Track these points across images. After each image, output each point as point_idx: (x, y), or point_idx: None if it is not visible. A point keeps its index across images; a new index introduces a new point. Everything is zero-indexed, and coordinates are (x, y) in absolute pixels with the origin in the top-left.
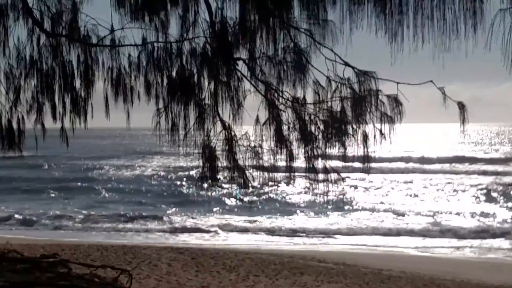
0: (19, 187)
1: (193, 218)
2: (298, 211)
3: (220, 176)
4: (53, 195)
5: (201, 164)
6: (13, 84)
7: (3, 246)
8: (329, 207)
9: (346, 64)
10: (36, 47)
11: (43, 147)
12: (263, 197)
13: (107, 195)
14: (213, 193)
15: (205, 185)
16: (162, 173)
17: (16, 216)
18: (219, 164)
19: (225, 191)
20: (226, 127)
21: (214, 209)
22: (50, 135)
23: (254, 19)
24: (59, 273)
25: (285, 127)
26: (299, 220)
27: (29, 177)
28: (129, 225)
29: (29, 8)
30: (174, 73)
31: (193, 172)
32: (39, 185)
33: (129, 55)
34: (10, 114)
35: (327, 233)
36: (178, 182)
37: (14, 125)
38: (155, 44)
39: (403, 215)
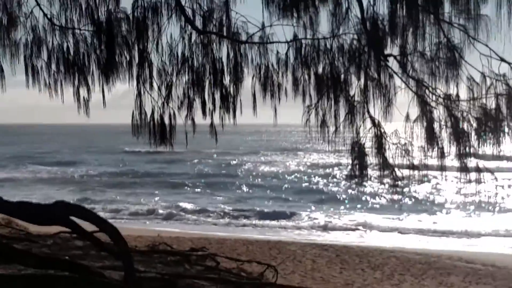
0: (166, 181)
1: (337, 215)
2: (446, 211)
3: (369, 173)
4: (198, 189)
5: (349, 161)
6: (165, 81)
7: (154, 239)
8: (479, 207)
9: (502, 59)
10: (188, 44)
11: (192, 142)
12: (411, 195)
13: (250, 191)
14: (360, 190)
15: (353, 183)
16: (307, 170)
17: (161, 210)
18: (368, 162)
19: (371, 189)
20: (376, 124)
21: (359, 207)
22: (199, 130)
23: (404, 15)
24: (207, 267)
25: (436, 125)
26: (447, 220)
27: (176, 171)
28: (273, 222)
29: (181, 6)
30: (321, 70)
31: (337, 169)
32: (185, 179)
33: (277, 52)
34: (162, 110)
35: (475, 234)
36: (322, 179)
37: (166, 121)
38: (303, 41)
39: None
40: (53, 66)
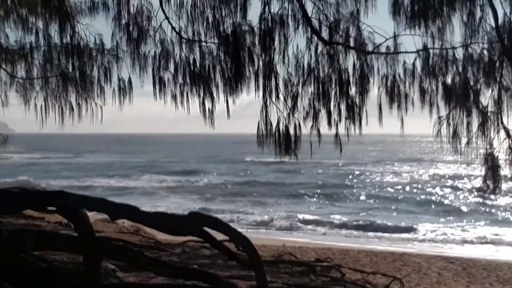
0: (287, 191)
1: (462, 228)
2: None
3: (502, 186)
4: (319, 200)
5: (482, 173)
6: (291, 91)
7: (278, 248)
8: None
9: None
10: (314, 55)
11: (316, 152)
12: None
13: (372, 201)
14: (488, 203)
15: (483, 195)
16: (432, 181)
17: (282, 220)
18: (502, 174)
19: (500, 201)
20: (510, 136)
21: (487, 219)
22: (323, 140)
23: None
24: (332, 278)
25: None
26: None
27: (298, 181)
28: (395, 234)
29: (308, 18)
30: (450, 80)
31: (464, 181)
32: (306, 189)
33: (404, 62)
34: (288, 120)
35: None
36: (448, 191)
37: (291, 131)
38: (430, 51)
39: None
40: (180, 78)
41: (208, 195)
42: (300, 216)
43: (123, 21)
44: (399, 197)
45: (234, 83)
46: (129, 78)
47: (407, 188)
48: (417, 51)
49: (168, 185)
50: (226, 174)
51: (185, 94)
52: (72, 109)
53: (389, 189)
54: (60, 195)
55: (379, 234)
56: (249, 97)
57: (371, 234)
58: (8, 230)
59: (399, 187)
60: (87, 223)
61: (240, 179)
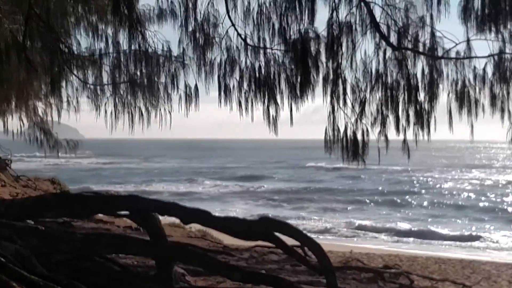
0: (351, 198)
1: None
2: None
3: None
4: (383, 206)
5: None
6: (359, 97)
7: (344, 254)
8: None
9: None
10: (382, 61)
11: (383, 158)
12: None
13: (438, 208)
14: None
15: None
16: (502, 188)
17: (346, 227)
18: None
19: None
20: None
21: None
22: (390, 146)
23: None
24: (401, 285)
25: None
26: None
27: (363, 187)
28: (462, 242)
29: (376, 23)
30: None
31: None
32: (371, 196)
33: (474, 67)
34: (355, 126)
35: None
36: None
37: (359, 137)
38: (502, 56)
39: None
40: (245, 85)
41: (271, 201)
42: (364, 223)
43: (190, 28)
44: (467, 204)
45: (300, 90)
46: (196, 85)
47: (475, 195)
48: (488, 56)
49: (232, 191)
50: (289, 180)
51: (249, 101)
52: (141, 114)
53: (456, 195)
54: (132, 199)
55: (446, 241)
56: (314, 104)
57: (437, 241)
58: (82, 233)
59: (467, 193)
60: (159, 227)
61: (303, 185)
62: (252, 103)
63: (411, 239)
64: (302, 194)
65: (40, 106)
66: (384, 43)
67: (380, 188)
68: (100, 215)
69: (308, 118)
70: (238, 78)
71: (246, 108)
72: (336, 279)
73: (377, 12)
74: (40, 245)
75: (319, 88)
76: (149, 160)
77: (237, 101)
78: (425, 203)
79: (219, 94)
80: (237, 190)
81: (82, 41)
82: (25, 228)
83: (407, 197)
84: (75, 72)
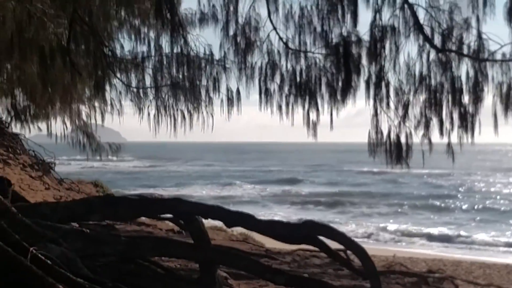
0: (391, 201)
1: None
2: None
3: None
4: (422, 210)
5: None
6: (402, 100)
7: (387, 258)
8: None
9: None
10: (426, 63)
11: (427, 161)
12: None
13: (479, 212)
14: None
15: None
16: None
17: (383, 231)
18: None
19: None
20: None
21: None
22: (434, 149)
23: None
24: None
25: None
26: None
27: (402, 191)
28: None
29: (420, 25)
30: None
31: None
32: (409, 200)
33: None
34: (399, 129)
35: None
36: None
37: (402, 140)
38: None
39: None
40: (285, 89)
41: (311, 204)
42: (406, 227)
43: (231, 32)
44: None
45: (341, 94)
46: (237, 88)
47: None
48: None
49: (272, 193)
50: (329, 183)
51: (290, 104)
52: (184, 117)
53: (501, 200)
54: (176, 202)
55: (490, 246)
56: (355, 107)
57: (481, 246)
58: (126, 236)
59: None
60: (203, 230)
61: (344, 189)
62: (292, 107)
63: (455, 244)
64: (343, 197)
65: (84, 109)
66: (428, 45)
67: (422, 192)
68: (143, 218)
69: (349, 121)
70: (278, 82)
71: (287, 112)
72: (380, 283)
73: (421, 14)
74: (85, 247)
75: (359, 92)
76: (190, 163)
77: (278, 105)
78: (468, 207)
79: (260, 97)
80: (277, 193)
81: (125, 45)
82: (71, 230)
83: (450, 201)
84: (118, 75)
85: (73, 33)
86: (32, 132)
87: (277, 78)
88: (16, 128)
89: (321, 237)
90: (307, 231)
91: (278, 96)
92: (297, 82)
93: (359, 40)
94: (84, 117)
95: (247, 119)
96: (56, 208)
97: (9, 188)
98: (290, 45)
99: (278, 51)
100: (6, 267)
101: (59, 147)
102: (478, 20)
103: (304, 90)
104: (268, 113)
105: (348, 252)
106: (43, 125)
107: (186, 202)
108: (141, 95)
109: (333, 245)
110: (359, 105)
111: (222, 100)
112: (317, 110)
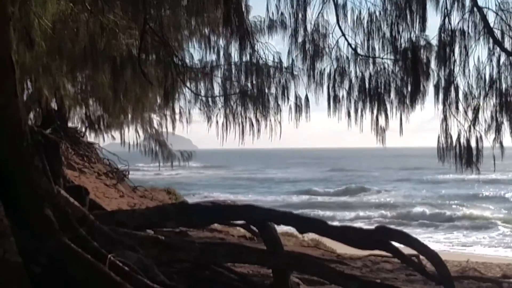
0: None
1: None
2: None
3: None
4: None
5: None
6: (472, 104)
7: (460, 263)
8: None
9: None
10: (496, 66)
11: (498, 166)
12: None
13: None
14: None
15: None
16: None
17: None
18: None
19: None
20: None
21: None
22: (507, 153)
23: None
24: None
25: None
26: None
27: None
28: None
29: (490, 28)
30: None
31: None
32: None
33: None
34: (469, 134)
35: None
36: None
37: (472, 144)
38: None
39: None
40: (354, 95)
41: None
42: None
43: (300, 39)
44: None
45: (410, 99)
46: (306, 95)
47: None
48: None
49: (342, 201)
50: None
51: (359, 111)
52: (252, 125)
53: None
54: (249, 208)
55: None
56: (423, 112)
57: None
58: (200, 242)
59: None
60: (276, 236)
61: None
62: (361, 112)
63: None
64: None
65: (155, 118)
66: (498, 48)
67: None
68: (215, 225)
69: (419, 126)
70: (347, 88)
71: (355, 118)
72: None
73: (491, 17)
74: (160, 254)
75: (429, 97)
76: (261, 170)
77: (346, 111)
78: None
79: (328, 104)
80: (348, 200)
81: (194, 54)
82: (147, 237)
83: None
84: (187, 84)
85: (144, 43)
86: (106, 141)
87: (346, 84)
88: (90, 137)
89: (394, 243)
90: (379, 237)
91: (347, 102)
92: (365, 87)
93: (428, 45)
94: (155, 126)
95: (316, 125)
96: (132, 215)
97: (87, 196)
98: (359, 51)
99: (347, 57)
100: (86, 274)
101: (132, 155)
102: None
103: (372, 95)
104: (337, 119)
105: (421, 257)
106: (116, 134)
107: (259, 208)
108: (210, 103)
109: (406, 251)
110: (429, 110)
111: (290, 107)
112: (386, 115)
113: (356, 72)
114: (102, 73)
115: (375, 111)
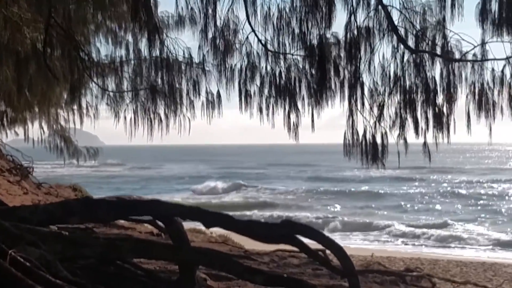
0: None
1: None
2: None
3: None
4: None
5: None
6: (377, 101)
7: (365, 258)
8: None
9: None
10: (400, 64)
11: (403, 161)
12: None
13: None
14: None
15: None
16: None
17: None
18: None
19: None
20: None
21: None
22: (410, 149)
23: None
24: (422, 287)
25: None
26: None
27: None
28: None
29: (394, 26)
30: None
31: None
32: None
33: (492, 69)
34: (374, 129)
35: None
36: None
37: (378, 140)
38: None
39: None
40: (265, 91)
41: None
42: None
43: (210, 35)
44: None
45: (319, 95)
46: (218, 91)
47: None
48: (507, 58)
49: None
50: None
51: (270, 107)
52: (161, 121)
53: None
54: (155, 203)
55: (465, 244)
56: (334, 109)
57: (454, 243)
58: (105, 238)
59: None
60: (182, 231)
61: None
62: (273, 109)
63: (430, 241)
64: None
65: (62, 114)
66: (402, 46)
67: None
68: (122, 222)
69: (331, 122)
70: (258, 84)
71: (267, 114)
72: (359, 282)
73: (395, 15)
74: (64, 250)
75: (338, 93)
76: (162, 165)
77: (258, 107)
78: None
79: (240, 100)
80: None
81: (102, 48)
82: (49, 233)
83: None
84: (95, 79)
85: (49, 37)
86: (9, 137)
87: (257, 80)
88: None
89: (300, 237)
90: (285, 231)
91: (259, 98)
92: (277, 83)
93: (338, 42)
94: (62, 122)
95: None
96: (35, 211)
97: None
98: (269, 47)
99: (258, 53)
100: None
101: (37, 152)
102: (445, 21)
103: (284, 91)
104: (248, 115)
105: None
106: (20, 130)
107: (165, 203)
108: (118, 98)
109: (312, 245)
110: (339, 106)
111: (203, 103)
112: (297, 111)
113: (267, 68)
114: (6, 67)
115: (287, 107)
